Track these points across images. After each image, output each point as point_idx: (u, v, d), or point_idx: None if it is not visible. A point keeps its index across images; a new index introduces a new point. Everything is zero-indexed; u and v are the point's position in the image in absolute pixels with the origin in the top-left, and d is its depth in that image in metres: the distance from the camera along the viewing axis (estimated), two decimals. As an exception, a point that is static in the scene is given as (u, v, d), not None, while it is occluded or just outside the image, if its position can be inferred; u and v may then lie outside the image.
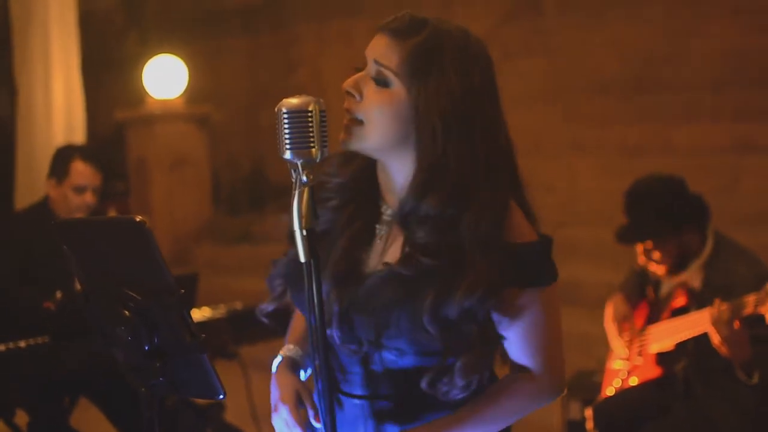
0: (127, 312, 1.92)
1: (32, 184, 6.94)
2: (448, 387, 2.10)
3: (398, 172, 2.18)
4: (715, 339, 3.93)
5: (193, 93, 10.52)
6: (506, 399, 2.20)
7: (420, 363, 2.13)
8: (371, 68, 2.15)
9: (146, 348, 1.93)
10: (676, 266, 4.35)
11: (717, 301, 3.95)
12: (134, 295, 1.92)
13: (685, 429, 4.29)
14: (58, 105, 7.30)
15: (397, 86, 2.10)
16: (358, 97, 2.14)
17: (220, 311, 4.92)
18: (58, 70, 7.30)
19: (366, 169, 2.26)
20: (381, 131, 2.12)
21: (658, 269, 4.40)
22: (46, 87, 7.31)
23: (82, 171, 4.78)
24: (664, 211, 4.33)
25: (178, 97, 10.31)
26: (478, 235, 2.07)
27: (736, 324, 3.88)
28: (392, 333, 2.09)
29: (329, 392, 2.11)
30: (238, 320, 4.96)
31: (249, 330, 4.97)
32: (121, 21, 13.06)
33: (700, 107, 8.42)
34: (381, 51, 2.13)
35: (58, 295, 4.44)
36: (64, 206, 4.76)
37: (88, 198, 4.75)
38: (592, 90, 9.18)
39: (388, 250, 2.20)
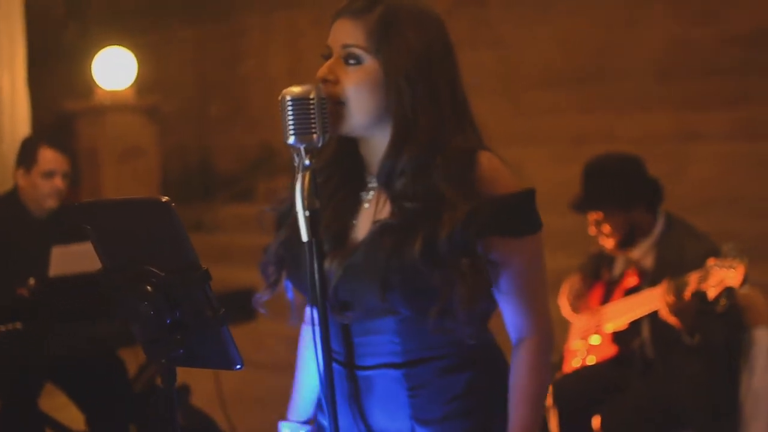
0: (150, 288, 2.02)
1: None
2: (453, 323, 2.20)
3: (381, 144, 2.30)
4: (664, 313, 4.15)
5: (141, 84, 10.54)
6: (524, 383, 2.30)
7: (419, 326, 2.25)
8: (340, 53, 2.26)
9: (168, 322, 2.04)
10: (625, 242, 4.53)
11: (665, 281, 4.14)
12: (157, 271, 2.02)
13: (644, 404, 4.44)
14: (4, 97, 7.28)
15: (369, 60, 2.23)
16: (333, 81, 2.25)
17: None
18: (3, 61, 7.28)
19: (341, 150, 2.37)
20: (362, 107, 2.24)
21: (606, 242, 4.57)
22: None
23: (49, 157, 4.84)
24: (617, 186, 4.50)
25: (127, 89, 10.33)
26: (450, 176, 2.20)
27: (685, 296, 4.07)
28: (392, 290, 2.20)
29: (329, 372, 2.22)
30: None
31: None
32: (62, 12, 13.02)
33: (646, 96, 8.60)
34: (346, 33, 2.26)
35: (31, 282, 4.49)
36: (34, 194, 4.82)
37: (58, 182, 4.81)
38: (538, 81, 9.35)
39: (378, 215, 2.31)
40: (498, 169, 2.25)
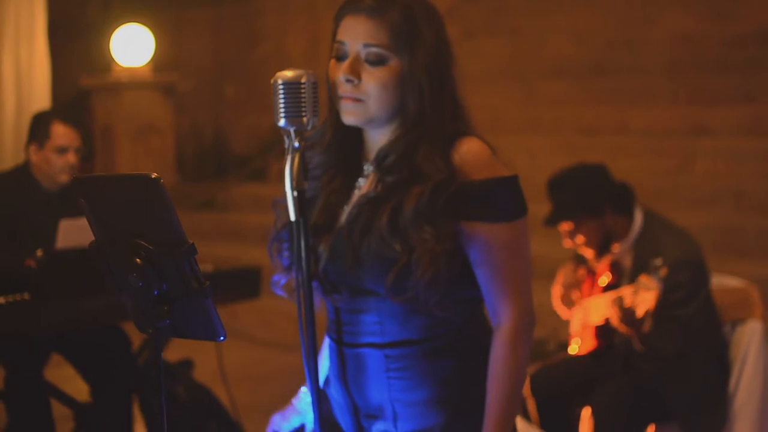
0: (139, 260, 2.11)
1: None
2: (414, 286, 2.26)
3: (384, 135, 2.39)
4: (615, 322, 4.31)
5: (159, 62, 10.63)
6: (500, 368, 2.34)
7: (400, 307, 2.33)
8: (360, 52, 2.32)
9: (155, 293, 2.13)
10: (602, 249, 4.59)
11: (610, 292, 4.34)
12: (146, 245, 2.12)
13: (631, 393, 4.50)
14: (22, 71, 7.36)
15: (393, 60, 2.31)
16: (356, 81, 2.32)
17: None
18: (22, 36, 7.36)
19: (342, 138, 2.44)
20: (383, 104, 2.32)
21: (586, 252, 4.64)
22: (15, 53, 7.37)
23: (62, 132, 4.90)
24: (583, 194, 4.55)
25: (144, 66, 10.42)
26: (431, 154, 2.28)
27: (626, 311, 4.22)
28: (362, 265, 2.29)
29: (313, 347, 2.30)
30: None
31: (218, 292, 5.13)
32: (84, -13, 13.12)
33: (656, 91, 8.66)
34: (366, 33, 2.32)
35: (39, 253, 4.57)
36: (47, 169, 4.88)
37: (71, 158, 4.87)
38: (551, 72, 9.41)
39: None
40: (478, 153, 2.31)
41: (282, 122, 2.27)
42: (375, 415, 2.42)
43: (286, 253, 2.46)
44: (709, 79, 8.41)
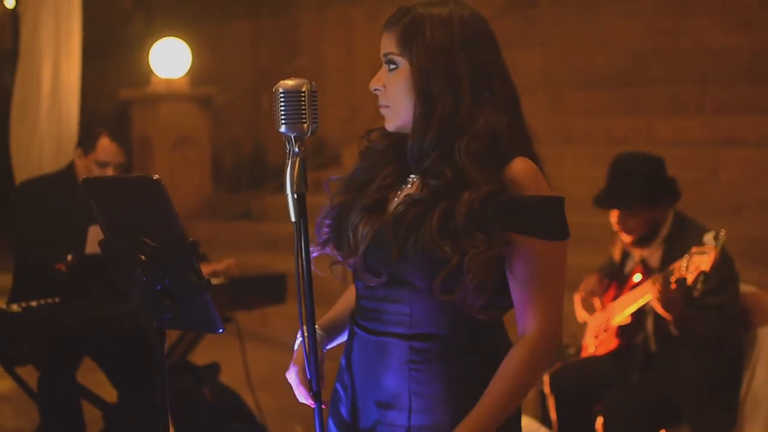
0: (143, 257, 2.27)
1: (27, 156, 7.16)
2: (463, 292, 2.37)
3: None
4: (654, 303, 4.32)
5: (196, 75, 10.81)
6: (510, 374, 2.42)
7: (431, 302, 2.43)
8: (384, 63, 2.51)
9: (158, 288, 2.28)
10: (644, 238, 4.66)
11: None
12: (150, 242, 2.27)
13: (644, 398, 4.59)
14: (62, 85, 7.50)
15: (402, 63, 2.47)
16: (382, 89, 2.51)
17: (219, 279, 5.19)
18: (62, 52, 7.50)
19: (400, 140, 2.57)
20: (403, 106, 2.48)
21: (625, 237, 4.70)
22: (53, 65, 7.51)
23: (108, 148, 5.05)
24: (644, 183, 4.63)
25: (182, 78, 10.60)
26: (472, 156, 2.39)
27: (671, 285, 4.23)
28: (406, 258, 2.40)
29: (313, 339, 2.45)
30: (235, 287, 5.24)
31: (245, 297, 5.29)
32: (128, 2, 13.36)
33: (684, 101, 8.72)
34: (384, 44, 2.50)
35: (69, 258, 4.70)
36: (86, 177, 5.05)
37: (110, 173, 5.01)
38: (581, 82, 9.50)
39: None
40: (531, 173, 2.41)
41: (283, 128, 2.40)
42: (390, 404, 2.51)
43: (325, 230, 2.59)
44: (736, 90, 8.47)
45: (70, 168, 5.19)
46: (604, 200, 4.73)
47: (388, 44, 2.49)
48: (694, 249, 4.15)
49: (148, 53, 10.51)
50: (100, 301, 4.69)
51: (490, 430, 2.42)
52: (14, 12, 8.36)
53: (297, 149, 2.42)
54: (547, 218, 2.40)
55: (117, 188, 2.39)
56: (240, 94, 12.00)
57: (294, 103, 2.39)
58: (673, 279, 4.21)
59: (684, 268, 4.15)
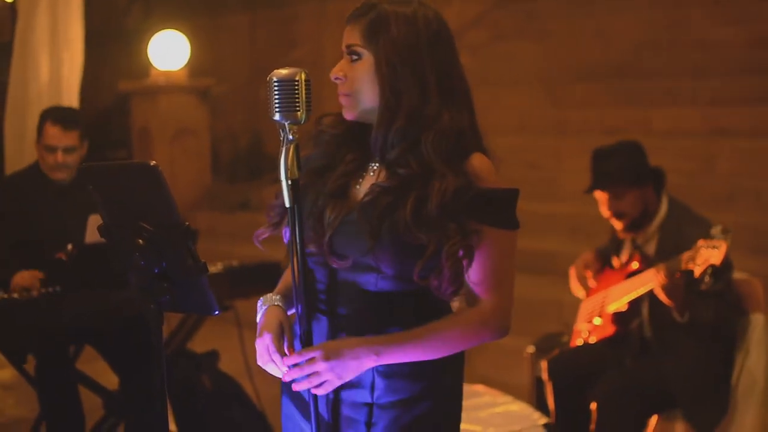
0: (141, 241, 2.34)
1: (21, 149, 7.19)
2: (438, 279, 2.48)
3: None
4: (658, 292, 4.38)
5: (195, 67, 10.87)
6: (449, 325, 2.55)
7: (396, 288, 2.53)
8: (346, 52, 2.59)
9: (156, 271, 2.35)
10: (636, 223, 4.72)
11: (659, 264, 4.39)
12: (147, 227, 2.34)
13: (637, 383, 4.65)
14: (63, 76, 7.53)
15: (366, 55, 2.55)
16: (343, 79, 2.58)
17: (218, 267, 5.24)
18: (61, 43, 7.52)
19: (360, 128, 2.64)
20: (364, 95, 2.56)
21: (617, 224, 4.76)
22: (51, 57, 7.53)
23: (51, 132, 5.06)
24: (625, 164, 4.70)
25: (181, 70, 10.66)
26: (439, 151, 2.49)
27: (676, 276, 4.30)
28: (382, 245, 2.48)
29: (308, 320, 2.52)
30: (234, 276, 5.29)
31: (244, 286, 5.34)
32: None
33: (679, 93, 8.77)
34: (348, 36, 2.58)
35: (70, 247, 4.74)
36: (44, 165, 5.11)
37: (59, 157, 5.04)
38: (578, 74, 9.55)
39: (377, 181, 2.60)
40: (487, 169, 2.54)
41: (277, 116, 2.46)
42: (352, 384, 2.57)
43: (276, 210, 2.66)
44: (730, 81, 8.51)
45: (36, 162, 5.21)
46: (593, 184, 4.80)
47: (353, 36, 2.56)
48: (702, 242, 4.19)
49: (146, 46, 10.57)
50: (102, 289, 4.73)
51: (394, 355, 2.51)
52: (13, 5, 8.40)
53: (291, 136, 2.48)
54: (507, 210, 2.54)
55: (115, 175, 2.46)
56: (238, 86, 12.05)
57: (288, 92, 2.46)
58: (679, 270, 4.28)
59: (692, 261, 4.21)
